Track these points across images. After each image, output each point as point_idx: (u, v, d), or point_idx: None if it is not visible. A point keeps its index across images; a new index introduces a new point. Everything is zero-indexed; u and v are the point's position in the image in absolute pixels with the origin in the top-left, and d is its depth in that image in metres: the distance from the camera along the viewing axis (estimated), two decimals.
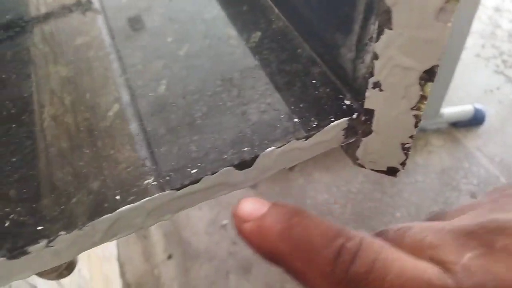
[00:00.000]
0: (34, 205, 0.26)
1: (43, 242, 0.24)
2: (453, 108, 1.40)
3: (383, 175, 0.32)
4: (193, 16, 0.37)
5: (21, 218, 0.26)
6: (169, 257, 1.17)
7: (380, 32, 0.22)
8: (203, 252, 1.19)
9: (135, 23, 0.37)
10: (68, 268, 0.48)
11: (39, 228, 0.25)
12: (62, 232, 0.25)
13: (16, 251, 0.24)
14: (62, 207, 0.26)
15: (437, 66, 0.23)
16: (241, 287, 1.11)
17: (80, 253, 0.27)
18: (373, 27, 0.23)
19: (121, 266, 1.17)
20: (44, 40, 0.37)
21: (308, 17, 0.31)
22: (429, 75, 0.23)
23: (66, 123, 0.30)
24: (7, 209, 0.26)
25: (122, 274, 1.15)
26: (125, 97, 0.31)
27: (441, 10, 0.20)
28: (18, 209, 0.26)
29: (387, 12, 0.21)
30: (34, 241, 0.24)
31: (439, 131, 1.41)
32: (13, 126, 0.31)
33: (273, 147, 0.27)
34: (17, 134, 0.30)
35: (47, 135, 0.30)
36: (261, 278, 1.11)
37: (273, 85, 0.30)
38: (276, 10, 0.36)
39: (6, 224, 0.26)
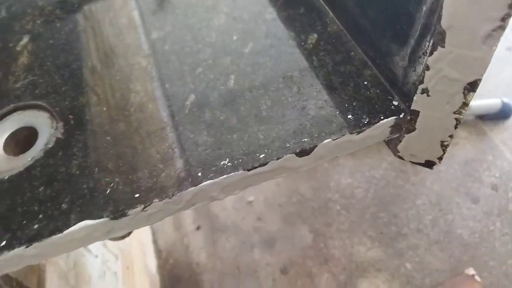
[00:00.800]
0: (130, 177, 0.32)
1: (140, 207, 0.30)
2: (481, 101, 1.40)
3: (407, 163, 0.36)
4: (255, 16, 0.41)
5: (120, 187, 0.32)
6: (198, 228, 1.25)
7: (433, 49, 0.26)
8: (230, 225, 1.26)
9: (203, 21, 0.42)
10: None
11: (136, 195, 0.31)
12: (156, 200, 0.30)
13: (118, 214, 0.30)
14: (154, 179, 0.31)
15: (480, 79, 0.27)
16: (264, 260, 1.18)
17: (165, 218, 0.32)
18: (428, 44, 0.27)
19: (154, 233, 1.25)
20: (129, 33, 0.43)
21: (363, 25, 0.35)
22: (472, 86, 0.27)
23: (151, 109, 0.35)
24: (107, 179, 0.32)
25: (154, 240, 1.24)
26: (200, 88, 0.36)
27: (488, 36, 0.24)
28: (117, 179, 0.32)
29: (442, 33, 0.25)
30: (133, 206, 0.30)
31: (466, 123, 1.42)
32: (104, 109, 0.37)
33: (329, 139, 0.31)
34: (109, 116, 0.36)
35: (135, 119, 0.35)
36: (284, 253, 1.18)
37: (329, 84, 0.35)
38: (331, 14, 0.40)
39: (107, 191, 0.31)
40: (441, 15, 0.24)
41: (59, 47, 0.43)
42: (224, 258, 1.21)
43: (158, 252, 1.23)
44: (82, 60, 0.41)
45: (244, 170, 0.31)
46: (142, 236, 1.12)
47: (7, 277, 0.49)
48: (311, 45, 0.38)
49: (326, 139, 0.31)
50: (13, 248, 0.29)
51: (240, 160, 0.31)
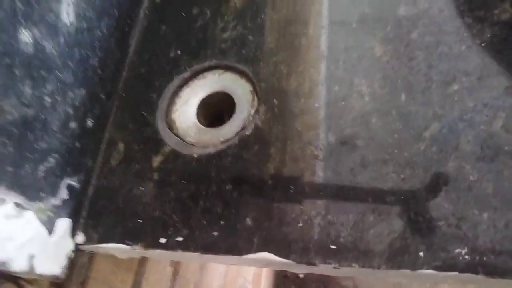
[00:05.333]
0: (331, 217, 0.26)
1: (333, 265, 0.24)
2: None
3: None
4: None
5: (316, 226, 0.26)
6: None
7: None
8: None
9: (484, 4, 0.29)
10: None
11: (333, 247, 0.25)
12: (355, 265, 0.24)
13: (305, 260, 0.25)
14: (358, 233, 0.24)
15: None
16: None
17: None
18: None
19: None
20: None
21: None
22: None
23: (375, 128, 0.27)
24: (302, 206, 0.27)
25: None
26: (449, 117, 0.26)
27: None
28: (320, 215, 0.26)
29: None
30: (326, 260, 0.25)
31: None
32: (316, 104, 0.29)
33: None
34: (318, 119, 0.29)
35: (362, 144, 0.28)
36: None
37: None
38: None
39: (299, 225, 0.26)
40: None
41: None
42: None
43: None
44: (302, 27, 0.33)
45: (485, 275, 0.22)
46: None
47: None
48: None
49: None
50: (188, 250, 0.26)
51: (484, 258, 0.22)
